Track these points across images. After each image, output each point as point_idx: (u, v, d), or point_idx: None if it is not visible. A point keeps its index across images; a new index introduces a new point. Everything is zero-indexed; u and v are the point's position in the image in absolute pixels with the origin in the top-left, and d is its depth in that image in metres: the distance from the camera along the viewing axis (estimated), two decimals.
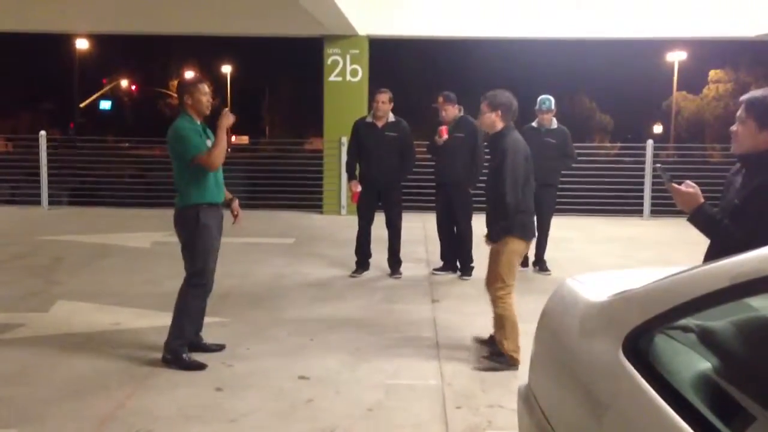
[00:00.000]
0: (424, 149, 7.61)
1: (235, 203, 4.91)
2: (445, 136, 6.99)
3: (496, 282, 4.64)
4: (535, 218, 7.33)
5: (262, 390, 4.25)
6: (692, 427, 1.68)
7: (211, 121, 4.74)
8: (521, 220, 4.60)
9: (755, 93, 2.82)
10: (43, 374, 4.46)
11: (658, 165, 3.24)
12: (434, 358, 4.86)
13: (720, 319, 1.96)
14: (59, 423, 3.76)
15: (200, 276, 4.61)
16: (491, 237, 4.67)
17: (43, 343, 5.07)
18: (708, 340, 1.96)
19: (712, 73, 46.24)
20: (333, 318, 5.80)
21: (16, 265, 7.65)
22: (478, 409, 4.01)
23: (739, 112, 2.82)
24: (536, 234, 5.09)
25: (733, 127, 2.85)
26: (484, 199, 5.11)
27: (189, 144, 4.50)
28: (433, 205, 7.64)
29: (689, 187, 2.90)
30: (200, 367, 4.55)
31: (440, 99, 7.21)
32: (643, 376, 1.92)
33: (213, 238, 4.64)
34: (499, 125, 4.67)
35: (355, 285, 6.98)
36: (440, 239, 7.57)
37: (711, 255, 2.82)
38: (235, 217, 4.90)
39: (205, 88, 4.67)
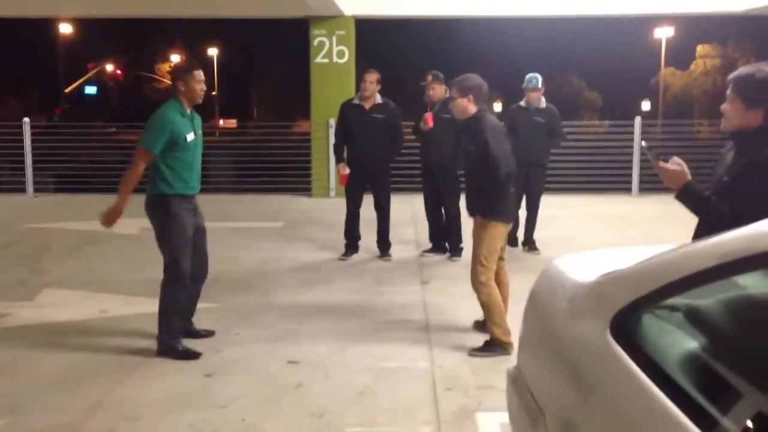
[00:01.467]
0: (410, 130, 7.55)
1: None
2: (431, 124, 6.92)
3: (477, 267, 4.59)
4: (522, 200, 7.37)
5: (251, 375, 4.23)
6: (679, 407, 1.67)
7: (199, 107, 4.64)
8: (502, 204, 4.56)
9: (742, 71, 2.79)
10: (31, 364, 4.43)
11: (643, 143, 3.21)
12: (424, 340, 4.85)
13: (707, 298, 1.95)
14: (48, 412, 3.74)
15: (176, 268, 4.50)
16: (471, 212, 4.69)
17: (30, 332, 5.04)
18: (695, 319, 1.95)
19: (700, 49, 46.24)
20: (322, 302, 5.78)
21: (2, 254, 7.58)
22: (468, 390, 4.01)
23: (728, 91, 2.80)
24: (517, 215, 5.03)
25: (723, 106, 2.83)
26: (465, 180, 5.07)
27: (151, 134, 4.37)
28: (421, 186, 7.60)
29: (676, 164, 2.87)
30: (195, 356, 4.50)
31: (429, 77, 7.13)
32: (630, 356, 1.90)
33: (186, 229, 4.51)
34: (473, 109, 4.62)
35: (345, 268, 6.96)
36: (428, 221, 7.54)
37: (700, 233, 2.80)
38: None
39: (201, 75, 4.53)
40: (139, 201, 4.54)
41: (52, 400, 3.89)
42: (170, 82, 4.67)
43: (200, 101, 4.58)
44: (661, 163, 2.88)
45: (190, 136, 4.49)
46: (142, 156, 4.40)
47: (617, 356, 1.94)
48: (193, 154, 4.55)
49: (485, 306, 4.60)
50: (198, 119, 4.66)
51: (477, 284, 4.60)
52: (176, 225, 4.47)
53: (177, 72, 4.59)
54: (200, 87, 4.53)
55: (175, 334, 4.55)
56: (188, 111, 4.54)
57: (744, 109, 2.72)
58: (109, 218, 4.42)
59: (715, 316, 1.91)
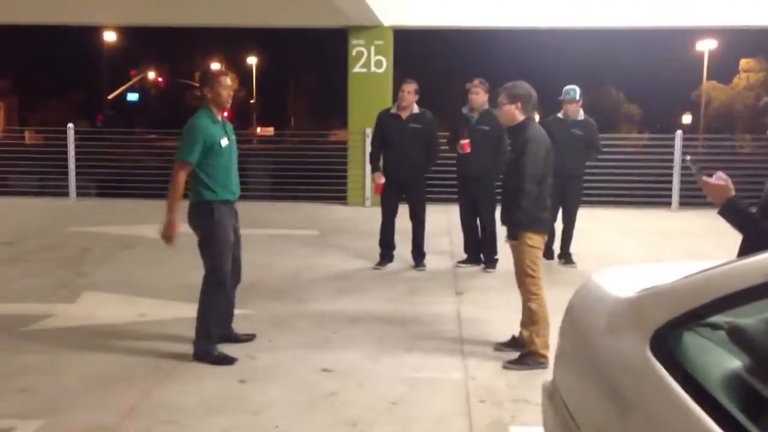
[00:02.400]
0: (445, 140, 7.54)
1: None
2: (467, 150, 6.92)
3: (525, 279, 4.59)
4: (558, 212, 7.30)
5: (285, 382, 4.25)
6: (721, 427, 1.64)
7: (238, 115, 4.72)
8: (537, 215, 4.53)
9: None
10: (70, 365, 4.51)
11: (687, 157, 3.17)
12: (458, 351, 4.83)
13: (751, 317, 1.91)
14: (85, 413, 3.80)
15: (218, 273, 4.56)
16: (510, 234, 4.62)
17: (70, 334, 5.13)
18: (738, 337, 1.91)
19: (743, 62, 45.39)
20: (356, 310, 5.79)
21: (45, 257, 7.74)
22: (502, 403, 3.97)
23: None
24: (553, 227, 4.99)
25: None
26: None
27: (185, 145, 4.44)
28: (457, 197, 7.58)
29: (720, 179, 2.83)
30: (230, 361, 4.53)
31: (476, 81, 7.08)
32: (670, 374, 1.87)
33: (229, 234, 4.59)
34: (520, 117, 4.57)
35: (379, 277, 6.96)
36: (464, 232, 7.51)
37: (745, 250, 2.75)
38: None
39: (227, 80, 4.60)
40: (179, 207, 4.60)
41: (89, 402, 3.95)
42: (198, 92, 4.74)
43: (228, 106, 4.64)
44: (705, 178, 2.84)
45: (224, 142, 4.56)
46: (180, 168, 4.47)
47: (656, 373, 1.91)
48: (228, 159, 4.62)
49: (533, 314, 4.55)
50: (229, 126, 4.73)
51: (528, 294, 4.59)
52: (220, 231, 4.54)
53: (203, 79, 4.69)
54: (227, 92, 4.58)
55: (212, 339, 4.60)
56: (219, 117, 4.60)
57: None
58: (168, 236, 4.51)
59: (758, 335, 1.87)
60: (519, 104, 4.55)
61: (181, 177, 4.49)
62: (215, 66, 52.04)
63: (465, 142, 6.93)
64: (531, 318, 4.58)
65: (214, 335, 4.61)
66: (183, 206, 4.57)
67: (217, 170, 4.53)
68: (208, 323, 4.57)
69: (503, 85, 4.69)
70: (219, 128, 4.56)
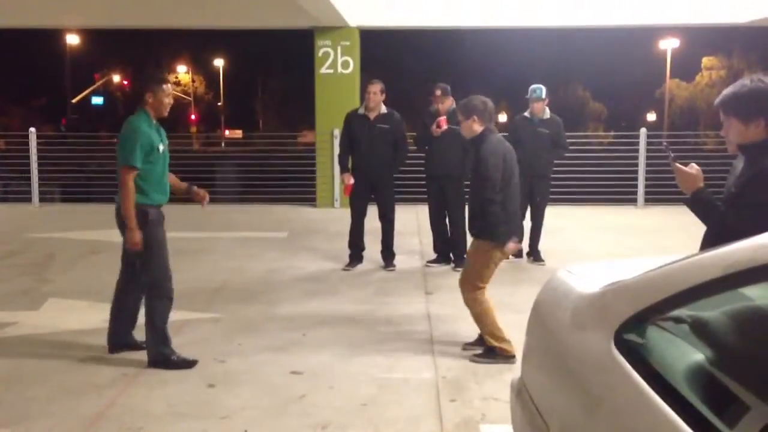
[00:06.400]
0: (413, 140, 7.55)
1: (195, 189, 4.85)
2: (444, 127, 6.91)
3: (468, 283, 4.64)
4: (527, 210, 7.36)
5: (254, 386, 4.21)
6: (685, 420, 1.65)
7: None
8: (505, 228, 4.56)
9: (725, 93, 2.79)
10: (35, 373, 4.42)
11: (664, 143, 3.21)
12: (428, 351, 4.83)
13: (713, 310, 1.93)
14: (51, 422, 3.73)
15: (162, 272, 4.48)
16: (472, 234, 4.69)
17: (34, 341, 5.03)
18: (701, 331, 1.93)
19: (705, 60, 46.26)
20: (326, 312, 5.76)
21: (7, 264, 7.58)
22: (472, 402, 3.98)
23: (721, 117, 2.80)
24: (523, 233, 5.05)
25: (722, 132, 2.83)
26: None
27: (128, 149, 4.34)
28: (426, 196, 7.59)
29: (692, 168, 2.87)
30: (191, 364, 4.48)
31: (437, 92, 7.14)
32: (635, 368, 1.89)
33: (164, 238, 4.52)
34: (478, 129, 4.66)
35: (349, 278, 6.94)
36: (433, 231, 7.53)
37: (707, 243, 2.79)
38: (202, 199, 4.83)
39: (170, 89, 4.55)
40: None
41: (55, 410, 3.87)
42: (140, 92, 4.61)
43: (166, 114, 4.58)
44: (679, 165, 2.88)
45: (161, 147, 4.52)
46: (127, 172, 4.35)
47: (621, 368, 1.92)
48: (163, 164, 4.57)
49: (478, 318, 4.63)
50: (163, 131, 4.67)
51: (467, 299, 4.65)
52: (156, 233, 4.48)
53: (147, 82, 4.56)
54: (168, 101, 4.53)
55: (168, 342, 4.53)
56: (154, 122, 4.55)
57: (743, 126, 2.71)
58: (133, 243, 4.39)
59: (720, 328, 1.90)
60: (475, 117, 4.65)
61: (131, 182, 4.37)
62: (183, 68, 51.69)
63: (442, 118, 6.93)
64: (478, 321, 4.64)
65: (168, 340, 4.54)
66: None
67: (152, 175, 4.46)
68: (161, 326, 4.50)
69: (461, 101, 4.79)
70: (155, 133, 4.51)
